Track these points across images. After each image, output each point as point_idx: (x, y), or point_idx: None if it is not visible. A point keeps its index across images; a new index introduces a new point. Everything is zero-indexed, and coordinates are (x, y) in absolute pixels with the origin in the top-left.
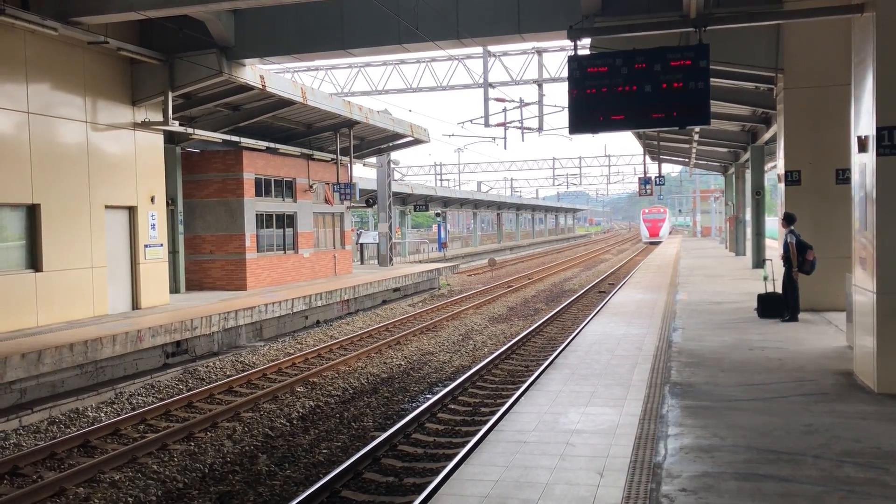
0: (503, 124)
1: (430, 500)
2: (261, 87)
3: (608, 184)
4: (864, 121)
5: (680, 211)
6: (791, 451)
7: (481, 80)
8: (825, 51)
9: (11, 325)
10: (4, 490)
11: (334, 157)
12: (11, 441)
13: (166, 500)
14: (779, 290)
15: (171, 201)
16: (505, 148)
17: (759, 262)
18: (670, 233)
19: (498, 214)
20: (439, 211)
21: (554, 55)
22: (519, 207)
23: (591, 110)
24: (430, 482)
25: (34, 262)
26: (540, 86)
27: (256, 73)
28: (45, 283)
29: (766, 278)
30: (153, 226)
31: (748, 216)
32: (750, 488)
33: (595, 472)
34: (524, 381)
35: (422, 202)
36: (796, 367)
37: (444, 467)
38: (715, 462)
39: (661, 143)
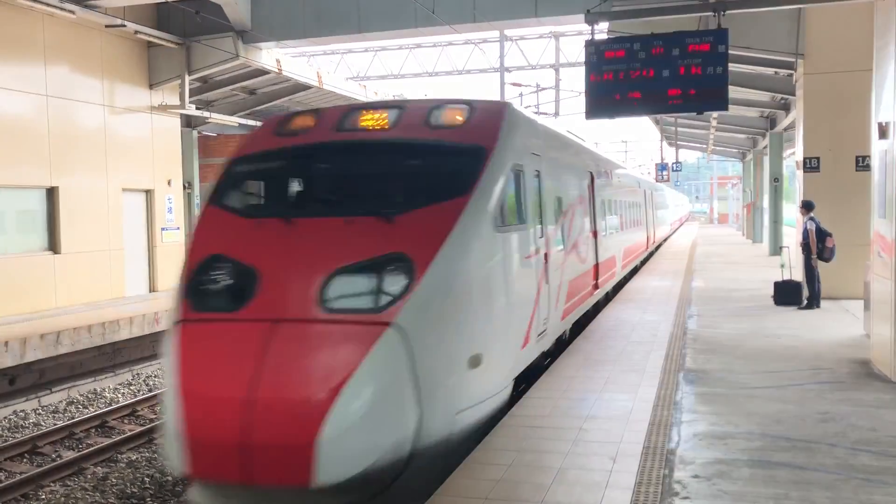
0: None
1: (441, 483)
2: (277, 70)
3: None
4: (885, 107)
5: (697, 197)
6: (806, 439)
7: (498, 65)
8: (846, 36)
9: (31, 306)
10: (25, 468)
11: None
12: (31, 420)
13: (182, 480)
14: (795, 277)
15: (187, 184)
16: None
17: (777, 249)
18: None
19: None
20: None
21: (571, 39)
22: None
23: (608, 95)
24: None
25: (53, 244)
26: (557, 70)
27: (272, 56)
28: (64, 265)
29: (783, 266)
30: (170, 209)
31: (766, 203)
32: (763, 475)
33: (608, 457)
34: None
35: None
36: (812, 355)
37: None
38: (728, 449)
39: (679, 129)
